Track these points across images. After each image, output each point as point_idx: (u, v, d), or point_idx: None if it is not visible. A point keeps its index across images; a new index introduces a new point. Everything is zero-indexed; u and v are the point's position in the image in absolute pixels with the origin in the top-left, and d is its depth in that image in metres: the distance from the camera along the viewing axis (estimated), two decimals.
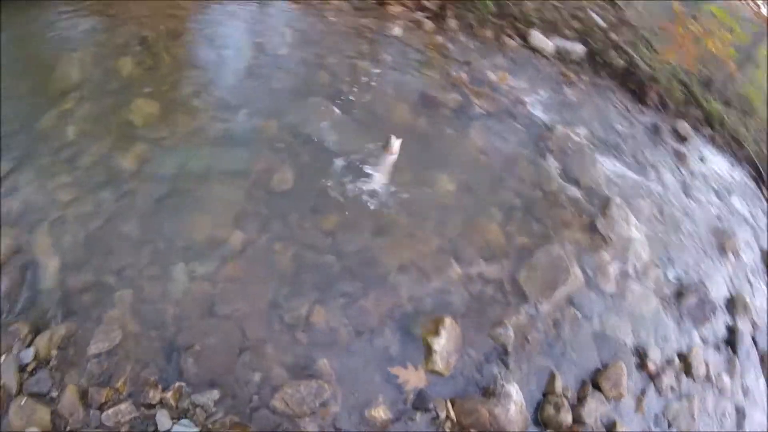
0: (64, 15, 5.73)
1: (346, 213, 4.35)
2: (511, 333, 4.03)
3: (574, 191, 5.18)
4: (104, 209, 4.13)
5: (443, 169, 4.87)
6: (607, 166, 5.71)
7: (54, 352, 3.42)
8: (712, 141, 7.92)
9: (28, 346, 3.42)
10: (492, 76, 6.05)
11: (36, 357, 3.39)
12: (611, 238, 4.98)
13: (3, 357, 3.35)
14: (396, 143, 4.50)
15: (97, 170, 4.36)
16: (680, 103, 7.88)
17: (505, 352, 3.99)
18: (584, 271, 4.64)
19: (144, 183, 4.32)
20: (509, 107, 5.71)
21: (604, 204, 5.19)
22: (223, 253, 3.99)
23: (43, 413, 3.15)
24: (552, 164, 5.32)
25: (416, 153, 4.89)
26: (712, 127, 8.06)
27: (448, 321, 3.86)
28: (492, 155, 5.15)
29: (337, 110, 5.05)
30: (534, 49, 6.90)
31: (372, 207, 4.43)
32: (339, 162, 4.67)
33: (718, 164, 7.49)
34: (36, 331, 3.49)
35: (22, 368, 3.34)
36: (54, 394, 3.24)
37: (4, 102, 4.79)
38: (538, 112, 5.87)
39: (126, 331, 3.52)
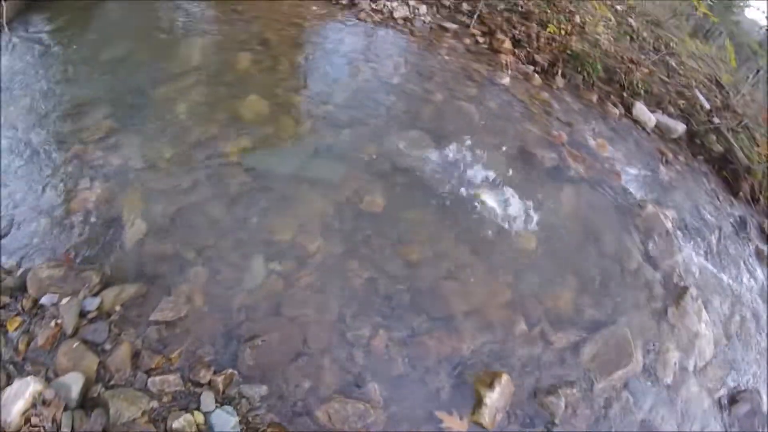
0: (194, 2, 5.94)
1: (427, 249, 4.30)
2: (562, 404, 3.86)
3: (653, 274, 4.94)
4: (198, 188, 4.24)
5: (528, 225, 4.76)
6: (690, 253, 5.42)
7: (118, 308, 3.45)
8: None
9: (95, 295, 3.47)
10: (591, 141, 5.87)
11: (100, 308, 3.42)
12: (679, 330, 4.72)
13: (67, 299, 3.36)
14: None
15: (199, 150, 4.50)
16: None
17: (552, 421, 3.82)
18: (646, 358, 4.41)
19: (241, 173, 4.41)
20: (604, 176, 5.52)
21: (680, 293, 4.93)
22: (302, 258, 4.02)
23: (92, 361, 3.14)
24: (636, 242, 5.10)
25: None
26: None
27: (505, 377, 3.74)
28: (579, 221, 4.99)
29: (436, 147, 5.03)
30: (636, 121, 6.65)
31: (452, 247, 4.37)
32: (430, 198, 4.64)
33: None
34: (106, 284, 3.54)
35: (83, 314, 3.36)
36: (107, 347, 3.24)
37: (127, 65, 5.01)
38: (631, 187, 5.64)
39: (193, 307, 3.56)
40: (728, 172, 7.13)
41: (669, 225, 5.45)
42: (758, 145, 7.72)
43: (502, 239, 4.57)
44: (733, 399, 4.78)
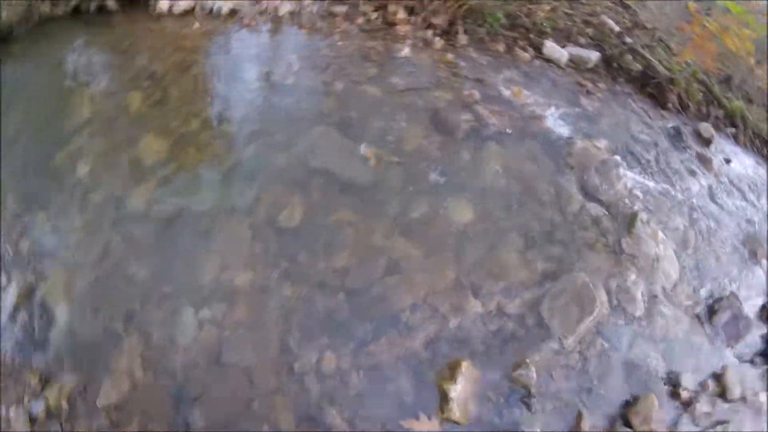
0: (74, 51, 5.43)
1: (357, 248, 3.87)
2: (533, 373, 3.51)
3: (598, 209, 4.56)
4: (113, 251, 3.84)
5: (459, 196, 4.33)
6: (631, 178, 5.05)
7: (64, 404, 3.23)
8: (736, 140, 7.12)
9: (38, 396, 3.27)
10: (506, 92, 5.44)
11: (46, 408, 3.24)
12: (638, 258, 4.38)
13: (13, 407, 3.22)
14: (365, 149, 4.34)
15: (106, 210, 4.06)
16: (701, 104, 7.08)
17: (528, 394, 3.46)
18: (611, 297, 4.06)
19: (152, 222, 3.99)
20: (526, 124, 5.09)
21: (630, 221, 4.57)
22: (230, 297, 3.61)
23: None
24: (573, 182, 4.70)
25: (429, 180, 4.38)
26: (734, 125, 7.25)
27: (465, 365, 3.36)
28: (510, 177, 4.57)
29: (345, 139, 4.56)
30: (548, 60, 6.23)
31: (383, 240, 3.92)
32: (350, 194, 4.19)
33: (743, 164, 6.69)
34: (46, 381, 3.31)
35: (33, 419, 3.21)
36: None
37: (20, 142, 4.59)
38: (556, 127, 5.23)
39: (135, 381, 3.26)
40: (652, 88, 6.78)
41: (603, 156, 5.06)
42: (676, 55, 7.41)
43: (434, 218, 4.14)
44: (712, 310, 4.48)
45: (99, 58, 5.36)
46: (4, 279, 3.79)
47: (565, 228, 4.32)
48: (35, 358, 3.41)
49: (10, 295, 3.69)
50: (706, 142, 6.64)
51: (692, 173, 5.80)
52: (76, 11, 5.84)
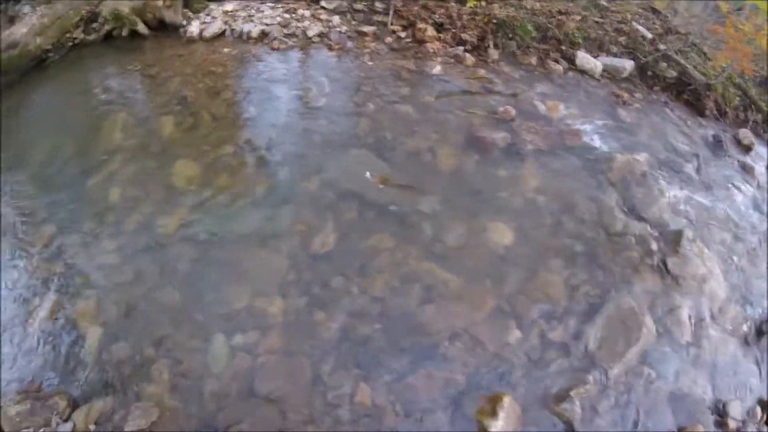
0: (106, 77, 5.36)
1: (392, 274, 3.64)
2: (577, 407, 3.22)
3: (641, 228, 4.25)
4: (145, 277, 3.68)
5: (497, 217, 4.07)
6: (674, 192, 4.71)
7: (92, 428, 3.07)
8: None
9: (66, 420, 3.10)
10: (541, 106, 5.14)
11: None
12: (685, 279, 4.05)
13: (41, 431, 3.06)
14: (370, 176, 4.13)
15: (139, 235, 3.91)
16: (738, 108, 6.66)
17: (572, 429, 3.15)
18: (657, 322, 3.75)
19: (185, 248, 3.81)
20: (563, 139, 4.81)
21: (675, 239, 4.24)
22: (263, 325, 3.41)
23: None
24: (614, 199, 4.39)
25: (466, 201, 4.12)
26: None
27: (506, 400, 3.10)
28: (549, 196, 4.29)
29: (379, 161, 4.34)
30: (582, 71, 5.91)
31: (420, 266, 3.68)
32: (384, 218, 3.97)
33: None
34: (74, 405, 3.15)
35: None
36: None
37: (52, 165, 4.48)
38: (594, 141, 4.92)
39: (163, 408, 3.06)
40: (688, 94, 6.39)
41: (644, 169, 4.73)
42: (710, 59, 6.97)
43: (472, 242, 3.89)
44: (760, 331, 4.12)
45: (130, 83, 5.28)
46: (37, 300, 3.64)
47: (608, 248, 4.02)
48: (64, 381, 3.25)
49: (42, 317, 3.54)
50: (747, 149, 6.22)
51: (735, 184, 5.40)
52: (109, 36, 5.81)
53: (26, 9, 5.76)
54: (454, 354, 3.28)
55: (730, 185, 5.31)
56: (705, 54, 7.19)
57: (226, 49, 5.58)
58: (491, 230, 3.96)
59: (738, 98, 6.70)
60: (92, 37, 5.75)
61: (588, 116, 5.19)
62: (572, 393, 3.23)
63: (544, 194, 4.28)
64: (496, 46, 5.95)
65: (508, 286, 3.64)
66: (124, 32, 5.79)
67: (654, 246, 4.14)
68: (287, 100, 4.97)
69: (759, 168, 5.86)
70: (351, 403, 3.09)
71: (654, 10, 7.96)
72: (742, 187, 5.40)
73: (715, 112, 6.45)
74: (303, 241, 3.79)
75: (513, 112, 4.92)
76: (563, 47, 6.20)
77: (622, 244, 4.08)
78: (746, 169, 5.74)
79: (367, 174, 4.18)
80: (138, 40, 5.81)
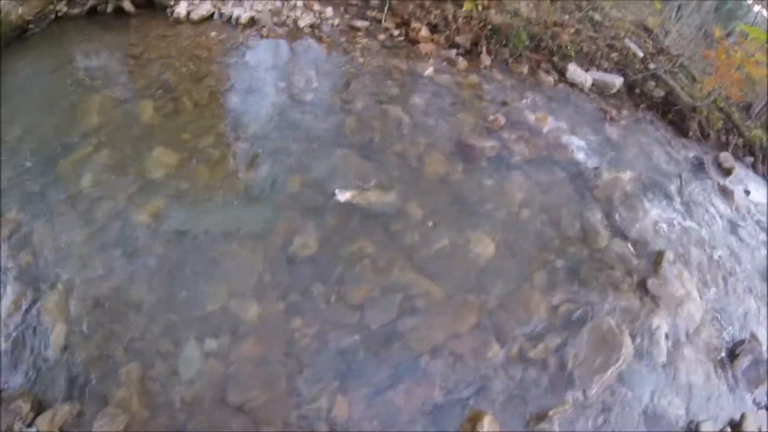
0: (88, 53, 5.07)
1: (374, 283, 3.46)
2: (555, 427, 3.11)
3: (623, 247, 4.16)
4: (116, 271, 3.42)
5: (481, 229, 3.92)
6: (656, 213, 4.66)
7: None
8: (754, 169, 6.67)
9: (29, 425, 2.86)
10: (531, 117, 5.03)
11: None
12: (663, 299, 3.97)
13: None
14: (340, 195, 3.83)
15: (111, 226, 3.65)
16: (721, 131, 6.65)
17: None
18: (635, 342, 3.66)
19: (158, 243, 3.57)
20: (551, 152, 4.71)
21: (657, 260, 4.17)
22: (238, 329, 3.20)
23: None
24: (598, 216, 4.30)
25: (451, 210, 3.97)
26: (753, 154, 6.80)
27: (487, 419, 2.96)
28: (534, 209, 4.17)
29: (366, 163, 4.16)
30: (572, 84, 5.82)
31: (403, 275, 3.52)
32: (368, 224, 3.78)
33: (762, 195, 6.23)
34: (38, 410, 2.90)
35: None
36: None
37: (26, 143, 4.16)
38: (581, 156, 4.84)
39: (132, 414, 2.84)
40: (674, 115, 6.38)
41: (628, 187, 4.66)
42: (698, 82, 6.94)
43: (455, 252, 3.74)
44: (733, 354, 4.08)
45: (112, 62, 4.98)
46: (0, 290, 3.36)
47: (590, 265, 3.92)
48: (28, 382, 3.00)
49: (6, 310, 3.27)
50: (727, 172, 6.20)
51: (715, 206, 5.36)
52: (93, 12, 5.56)
53: None
54: (434, 368, 3.14)
55: (710, 208, 5.27)
56: (693, 77, 7.18)
57: (213, 33, 5.34)
58: (474, 242, 3.81)
59: (721, 122, 6.70)
60: (76, 11, 5.50)
61: (576, 130, 5.10)
62: (551, 413, 3.12)
63: (529, 207, 4.17)
64: (489, 51, 5.83)
65: (490, 301, 3.51)
66: (109, 8, 5.57)
67: (635, 265, 4.06)
68: (273, 92, 4.75)
69: (738, 192, 5.85)
70: (327, 417, 2.91)
71: (647, 29, 7.93)
72: (722, 210, 5.38)
73: (698, 133, 6.44)
74: (283, 242, 3.59)
75: (502, 121, 4.81)
76: (555, 58, 6.11)
77: (604, 261, 3.99)
78: (725, 193, 5.71)
79: (336, 192, 3.90)
80: (123, 17, 5.58)
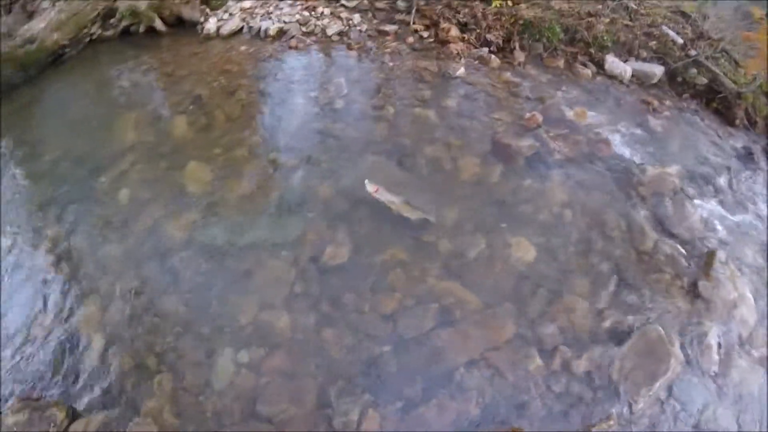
0: (122, 73, 5.17)
1: (407, 292, 3.31)
2: None
3: (672, 247, 3.86)
4: (149, 284, 3.45)
5: (520, 232, 3.72)
6: (706, 209, 4.32)
7: None
8: None
9: None
10: (569, 113, 4.76)
11: None
12: (715, 303, 3.65)
13: None
14: (369, 186, 3.67)
15: (147, 240, 3.68)
16: None
17: None
18: (685, 351, 3.38)
19: (192, 255, 3.56)
20: (591, 149, 4.43)
21: (708, 260, 3.84)
22: (270, 340, 3.15)
23: None
24: (645, 215, 4.01)
25: (488, 214, 3.78)
26: None
27: None
28: (576, 210, 3.92)
29: (398, 169, 4.01)
30: (611, 76, 5.49)
31: (437, 284, 3.36)
32: (400, 231, 3.63)
33: None
34: (72, 417, 2.94)
35: None
36: None
37: (65, 161, 4.28)
38: (624, 151, 4.54)
39: (163, 424, 2.85)
40: (718, 103, 5.94)
41: (675, 183, 4.32)
42: (741, 67, 6.47)
43: (493, 259, 3.54)
44: None
45: (145, 80, 5.07)
46: (41, 303, 3.44)
47: (637, 268, 3.65)
48: (65, 391, 3.05)
49: (46, 321, 3.34)
50: None
51: (765, 198, 4.97)
52: (126, 33, 5.67)
53: (45, 4, 5.60)
54: (470, 382, 2.97)
55: (761, 201, 4.88)
56: (736, 61, 6.70)
57: (242, 47, 5.33)
58: (514, 246, 3.61)
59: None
60: (109, 33, 5.62)
61: (617, 124, 4.80)
62: (594, 429, 2.91)
63: (571, 208, 3.92)
64: (522, 47, 5.56)
65: (531, 309, 3.31)
66: (141, 29, 5.67)
67: (684, 266, 3.76)
68: (304, 102, 4.68)
69: None
70: (357, 431, 2.81)
71: (684, 14, 7.44)
72: None
73: (745, 121, 6.00)
74: (314, 252, 3.51)
75: (540, 118, 4.55)
76: (591, 50, 5.77)
77: (652, 264, 3.71)
78: None
79: (366, 183, 3.75)
80: (155, 36, 5.67)
